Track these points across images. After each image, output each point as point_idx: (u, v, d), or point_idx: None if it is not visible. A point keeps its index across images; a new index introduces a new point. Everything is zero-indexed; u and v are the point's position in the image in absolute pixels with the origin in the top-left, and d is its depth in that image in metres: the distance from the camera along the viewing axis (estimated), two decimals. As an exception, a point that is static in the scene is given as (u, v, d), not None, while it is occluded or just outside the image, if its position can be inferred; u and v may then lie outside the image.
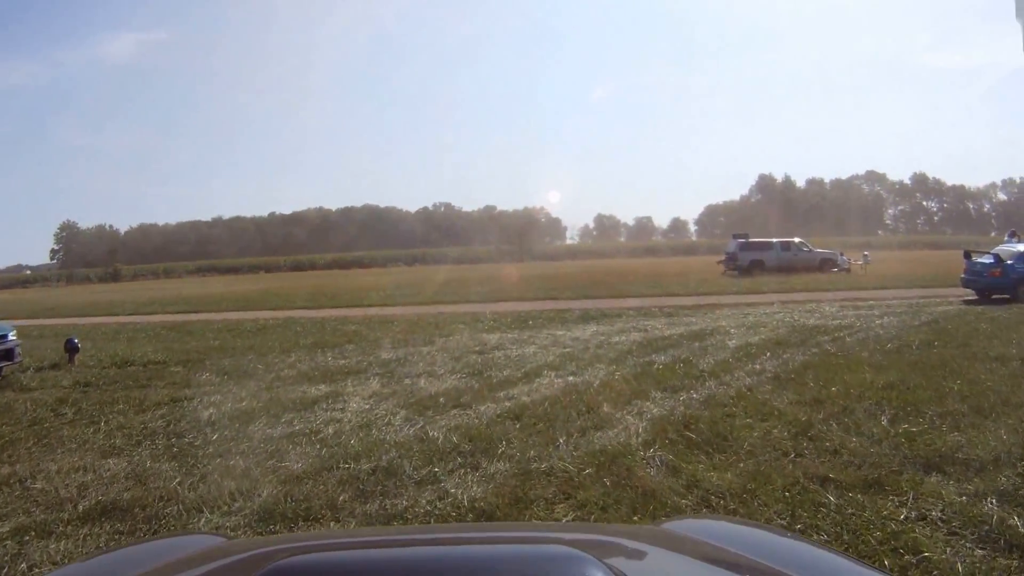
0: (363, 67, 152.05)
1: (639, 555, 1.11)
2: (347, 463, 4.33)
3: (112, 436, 5.64)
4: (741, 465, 3.96)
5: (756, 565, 1.04)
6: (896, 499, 3.51)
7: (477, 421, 5.23)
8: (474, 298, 19.51)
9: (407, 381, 7.16)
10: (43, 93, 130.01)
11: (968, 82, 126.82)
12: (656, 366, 7.25)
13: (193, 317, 17.94)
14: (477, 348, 9.27)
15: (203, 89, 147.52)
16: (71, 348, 10.23)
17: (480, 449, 4.48)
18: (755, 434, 4.54)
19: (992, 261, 14.38)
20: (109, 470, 4.67)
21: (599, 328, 11.06)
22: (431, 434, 4.88)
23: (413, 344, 9.98)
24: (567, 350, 8.81)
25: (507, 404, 5.77)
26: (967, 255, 15.58)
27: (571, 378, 6.84)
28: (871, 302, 14.15)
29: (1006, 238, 16.79)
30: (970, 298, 14.18)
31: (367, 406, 6.03)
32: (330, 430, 5.20)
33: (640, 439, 4.51)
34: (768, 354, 7.75)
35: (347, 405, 6.09)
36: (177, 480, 4.31)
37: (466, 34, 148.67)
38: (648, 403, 5.58)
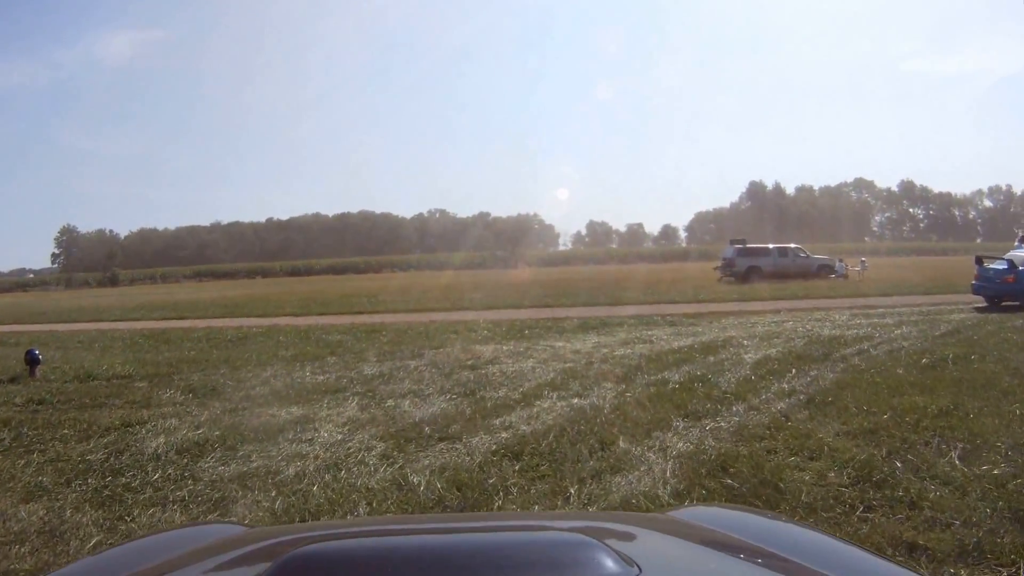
0: (361, 73, 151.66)
1: (647, 541, 1.10)
2: (303, 520, 3.47)
3: (43, 471, 4.83)
4: (803, 527, 3.13)
5: (764, 552, 1.02)
6: (1004, 572, 2.75)
7: (468, 459, 4.35)
8: (467, 305, 18.72)
9: (389, 403, 6.30)
10: (43, 95, 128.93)
11: (956, 90, 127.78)
12: (671, 385, 6.41)
13: (176, 324, 17.12)
14: (470, 362, 8.43)
15: (202, 96, 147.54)
16: (31, 360, 9.35)
17: (471, 502, 3.60)
18: (807, 478, 3.70)
19: (1005, 267, 13.75)
20: (21, 521, 3.84)
21: (600, 339, 10.26)
22: (411, 478, 3.99)
23: (400, 357, 9.13)
24: (568, 365, 7.99)
25: (504, 436, 4.88)
26: (979, 261, 15.03)
27: (576, 400, 5.98)
28: (881, 310, 13.51)
29: (1016, 243, 16.19)
30: (980, 305, 13.55)
31: (340, 436, 5.13)
32: (291, 470, 4.31)
33: (669, 487, 3.65)
34: (793, 371, 6.96)
35: (317, 435, 5.20)
36: (95, 540, 3.46)
37: (460, 44, 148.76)
38: (670, 434, 4.73)
